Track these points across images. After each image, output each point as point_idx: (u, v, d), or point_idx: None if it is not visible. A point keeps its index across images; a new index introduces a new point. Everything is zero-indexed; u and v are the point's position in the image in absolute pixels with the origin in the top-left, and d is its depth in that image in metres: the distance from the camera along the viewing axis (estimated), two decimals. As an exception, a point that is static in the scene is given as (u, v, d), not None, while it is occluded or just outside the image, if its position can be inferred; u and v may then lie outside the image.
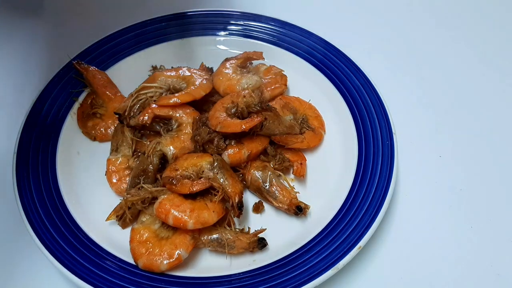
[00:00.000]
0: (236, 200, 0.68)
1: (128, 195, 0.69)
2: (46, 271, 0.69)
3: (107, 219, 0.70)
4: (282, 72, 0.88)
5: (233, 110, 0.76)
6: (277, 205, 0.72)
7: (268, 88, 0.85)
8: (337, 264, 0.64)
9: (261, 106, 0.76)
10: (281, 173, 0.75)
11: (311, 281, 0.62)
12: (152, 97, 0.79)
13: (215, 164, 0.70)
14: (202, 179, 0.70)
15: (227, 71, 0.85)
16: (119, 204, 0.71)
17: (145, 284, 0.63)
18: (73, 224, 0.69)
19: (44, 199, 0.70)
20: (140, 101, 0.78)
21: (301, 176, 0.76)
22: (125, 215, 0.69)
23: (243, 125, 0.73)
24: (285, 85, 0.87)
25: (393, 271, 0.70)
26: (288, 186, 0.74)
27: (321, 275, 0.63)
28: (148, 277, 0.64)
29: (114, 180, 0.75)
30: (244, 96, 0.77)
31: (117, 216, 0.70)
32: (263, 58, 0.89)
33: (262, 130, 0.75)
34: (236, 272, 0.66)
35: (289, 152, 0.78)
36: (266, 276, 0.64)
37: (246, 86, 0.81)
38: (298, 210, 0.70)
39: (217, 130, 0.74)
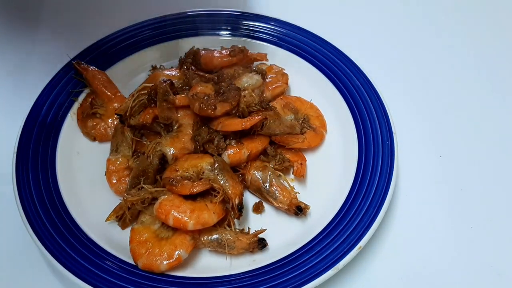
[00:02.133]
0: (237, 202, 0.68)
1: (128, 196, 0.69)
2: (46, 271, 0.69)
3: (107, 219, 0.70)
4: (283, 71, 0.88)
5: (234, 111, 0.76)
6: (277, 205, 0.72)
7: (270, 87, 0.85)
8: (337, 264, 0.64)
9: (261, 105, 0.76)
10: (281, 173, 0.75)
11: (311, 281, 0.62)
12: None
13: (215, 165, 0.70)
14: (202, 180, 0.70)
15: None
16: (118, 205, 0.71)
17: (145, 284, 0.63)
18: (73, 224, 0.69)
19: (44, 199, 0.70)
20: (141, 101, 0.77)
21: (301, 177, 0.76)
22: (125, 216, 0.69)
23: (244, 123, 0.73)
24: (286, 83, 0.87)
25: (393, 271, 0.70)
26: (288, 186, 0.74)
27: (321, 275, 0.63)
28: (148, 277, 0.64)
29: (114, 180, 0.75)
30: (244, 96, 0.77)
31: (116, 217, 0.70)
32: (267, 60, 0.89)
33: (262, 129, 0.75)
34: (236, 272, 0.66)
35: (289, 152, 0.78)
36: (266, 276, 0.64)
37: (246, 85, 0.81)
38: (298, 210, 0.70)
39: (218, 129, 0.74)
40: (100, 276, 0.63)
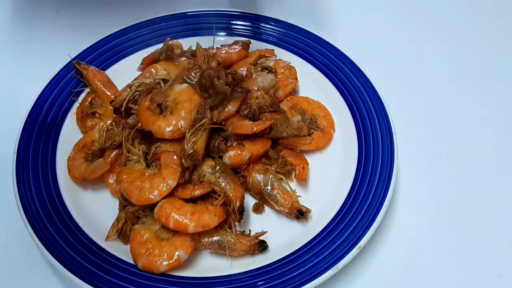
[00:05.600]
0: (238, 205, 0.68)
1: (129, 207, 0.69)
2: (46, 271, 0.69)
3: (107, 238, 0.69)
4: (290, 64, 0.87)
5: (246, 112, 0.76)
6: (278, 208, 0.72)
7: (282, 86, 0.84)
8: (337, 264, 0.64)
9: (273, 108, 0.76)
10: (282, 177, 0.75)
11: (311, 281, 0.62)
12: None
13: (217, 168, 0.70)
14: (203, 183, 0.70)
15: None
16: (116, 219, 0.70)
17: (145, 284, 0.63)
18: (73, 224, 0.69)
19: (44, 199, 0.70)
20: (135, 97, 0.77)
21: (303, 181, 0.75)
22: (125, 229, 0.69)
23: (254, 127, 0.73)
24: (296, 78, 0.86)
25: (393, 271, 0.70)
26: (289, 189, 0.74)
27: (321, 275, 0.63)
28: (148, 277, 0.64)
29: (111, 181, 0.74)
30: (257, 98, 0.77)
31: (117, 231, 0.69)
32: (275, 55, 0.89)
33: (270, 133, 0.75)
34: (236, 272, 0.66)
35: (292, 155, 0.78)
36: (266, 276, 0.64)
37: (262, 85, 0.81)
38: (300, 214, 0.70)
39: (228, 129, 0.74)
40: (100, 276, 0.63)
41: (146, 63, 0.87)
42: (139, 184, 0.68)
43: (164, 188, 0.67)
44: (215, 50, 0.85)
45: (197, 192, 0.68)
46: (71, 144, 0.78)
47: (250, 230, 0.71)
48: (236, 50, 0.87)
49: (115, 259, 0.66)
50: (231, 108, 0.75)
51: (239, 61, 0.88)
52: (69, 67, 0.86)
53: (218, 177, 0.70)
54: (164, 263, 0.64)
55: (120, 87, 0.85)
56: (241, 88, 0.77)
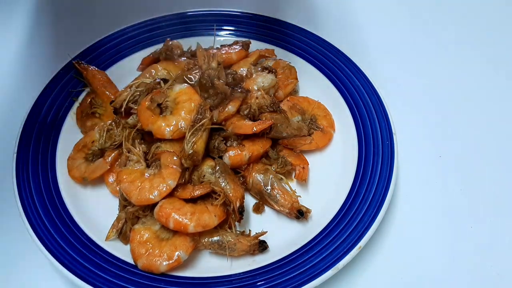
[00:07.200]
0: (238, 205, 0.68)
1: (129, 207, 0.69)
2: (46, 271, 0.69)
3: (107, 238, 0.69)
4: (290, 64, 0.87)
5: (246, 112, 0.76)
6: (278, 208, 0.72)
7: (282, 86, 0.84)
8: (337, 264, 0.64)
9: (273, 108, 0.76)
10: (282, 177, 0.75)
11: (311, 281, 0.62)
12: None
13: (217, 168, 0.70)
14: (203, 183, 0.70)
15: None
16: (116, 219, 0.70)
17: (145, 284, 0.63)
18: (73, 224, 0.69)
19: (44, 199, 0.70)
20: (135, 97, 0.77)
21: (303, 181, 0.76)
22: (125, 229, 0.69)
23: (255, 127, 0.73)
24: (296, 78, 0.86)
25: (393, 271, 0.70)
26: (289, 189, 0.74)
27: (321, 275, 0.63)
28: (148, 277, 0.64)
29: (111, 180, 0.74)
30: (257, 98, 0.77)
31: (117, 231, 0.69)
32: (275, 55, 0.89)
33: (270, 133, 0.75)
34: (236, 272, 0.66)
35: (292, 155, 0.78)
36: (266, 276, 0.64)
37: (262, 85, 0.81)
38: (300, 214, 0.70)
39: (229, 129, 0.74)
40: (100, 276, 0.63)
41: (146, 63, 0.87)
42: (139, 184, 0.68)
43: (164, 189, 0.67)
44: (215, 50, 0.85)
45: (197, 192, 0.68)
46: (71, 144, 0.78)
47: (250, 230, 0.71)
48: (236, 50, 0.87)
49: (115, 259, 0.66)
50: (231, 108, 0.75)
51: (239, 61, 0.88)
52: (69, 67, 0.86)
53: (218, 177, 0.70)
54: (164, 263, 0.64)
55: (120, 87, 0.86)
56: (241, 88, 0.77)
